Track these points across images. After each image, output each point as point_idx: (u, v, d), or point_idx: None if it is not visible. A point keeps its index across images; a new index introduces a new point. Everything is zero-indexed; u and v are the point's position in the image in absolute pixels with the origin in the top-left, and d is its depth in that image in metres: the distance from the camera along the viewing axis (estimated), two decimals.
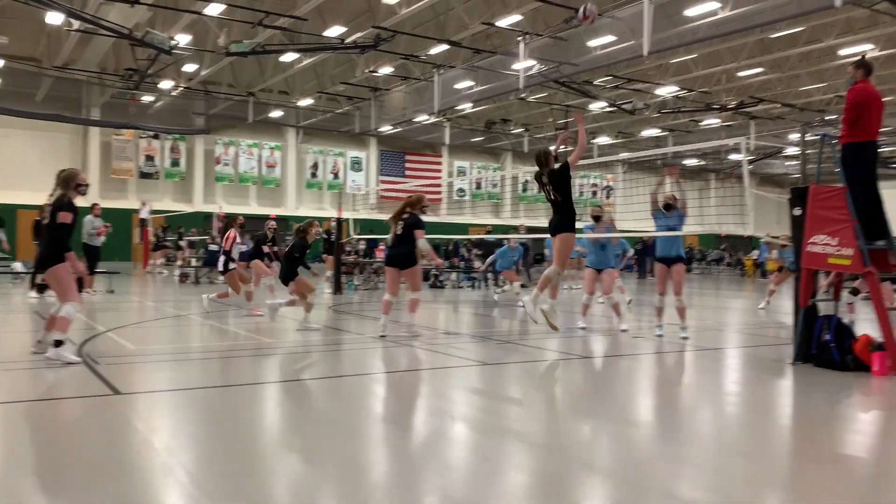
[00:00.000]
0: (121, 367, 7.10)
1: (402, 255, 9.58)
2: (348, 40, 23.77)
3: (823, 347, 7.49)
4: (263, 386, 6.61)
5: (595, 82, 29.54)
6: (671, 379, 7.49)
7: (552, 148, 8.96)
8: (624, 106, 31.37)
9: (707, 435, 5.09)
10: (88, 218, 15.81)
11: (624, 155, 40.45)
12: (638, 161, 41.48)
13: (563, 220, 8.56)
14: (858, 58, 8.13)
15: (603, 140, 42.63)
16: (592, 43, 22.43)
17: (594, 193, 48.84)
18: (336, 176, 41.01)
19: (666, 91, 31.44)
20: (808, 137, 8.34)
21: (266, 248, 13.38)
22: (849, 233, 7.30)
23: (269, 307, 10.57)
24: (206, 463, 4.16)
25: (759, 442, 4.88)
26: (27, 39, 27.92)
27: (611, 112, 34.67)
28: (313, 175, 40.66)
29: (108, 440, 4.56)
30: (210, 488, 3.70)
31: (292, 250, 10.39)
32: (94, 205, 16.62)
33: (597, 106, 33.15)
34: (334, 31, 23.66)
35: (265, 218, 15.44)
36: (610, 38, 21.77)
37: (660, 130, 40.29)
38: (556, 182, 8.55)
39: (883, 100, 7.86)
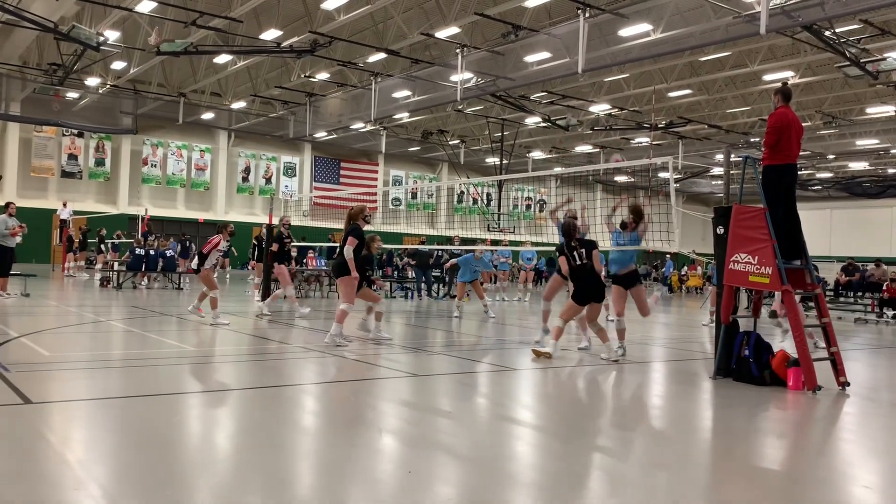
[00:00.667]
0: (33, 374, 6.79)
1: (337, 265, 9.72)
2: (284, 44, 23.51)
3: (742, 362, 7.73)
4: (185, 396, 6.42)
5: (531, 97, 29.99)
6: (596, 391, 7.60)
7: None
8: (558, 122, 31.93)
9: (628, 447, 5.17)
10: (2, 217, 15.13)
11: (557, 170, 41.21)
12: (570, 176, 42.26)
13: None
14: (779, 84, 8.47)
15: (537, 154, 43.30)
16: (529, 58, 22.77)
17: (528, 207, 49.48)
18: (268, 181, 40.42)
19: (599, 108, 32.17)
20: (733, 158, 8.62)
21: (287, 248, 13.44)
22: (768, 252, 7.57)
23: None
24: (122, 476, 4.00)
25: (677, 454, 4.99)
26: None
27: (545, 127, 35.22)
28: (244, 179, 39.99)
29: (15, 452, 4.33)
30: (124, 503, 3.55)
31: (363, 263, 10.01)
32: (9, 203, 15.93)
33: (532, 121, 33.63)
34: (270, 35, 23.37)
35: (192, 222, 15.21)
36: (546, 55, 22.14)
37: (592, 147, 41.16)
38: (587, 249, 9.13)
39: (802, 125, 8.20)
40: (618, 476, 4.38)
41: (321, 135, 36.12)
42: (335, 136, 37.01)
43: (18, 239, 15.37)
